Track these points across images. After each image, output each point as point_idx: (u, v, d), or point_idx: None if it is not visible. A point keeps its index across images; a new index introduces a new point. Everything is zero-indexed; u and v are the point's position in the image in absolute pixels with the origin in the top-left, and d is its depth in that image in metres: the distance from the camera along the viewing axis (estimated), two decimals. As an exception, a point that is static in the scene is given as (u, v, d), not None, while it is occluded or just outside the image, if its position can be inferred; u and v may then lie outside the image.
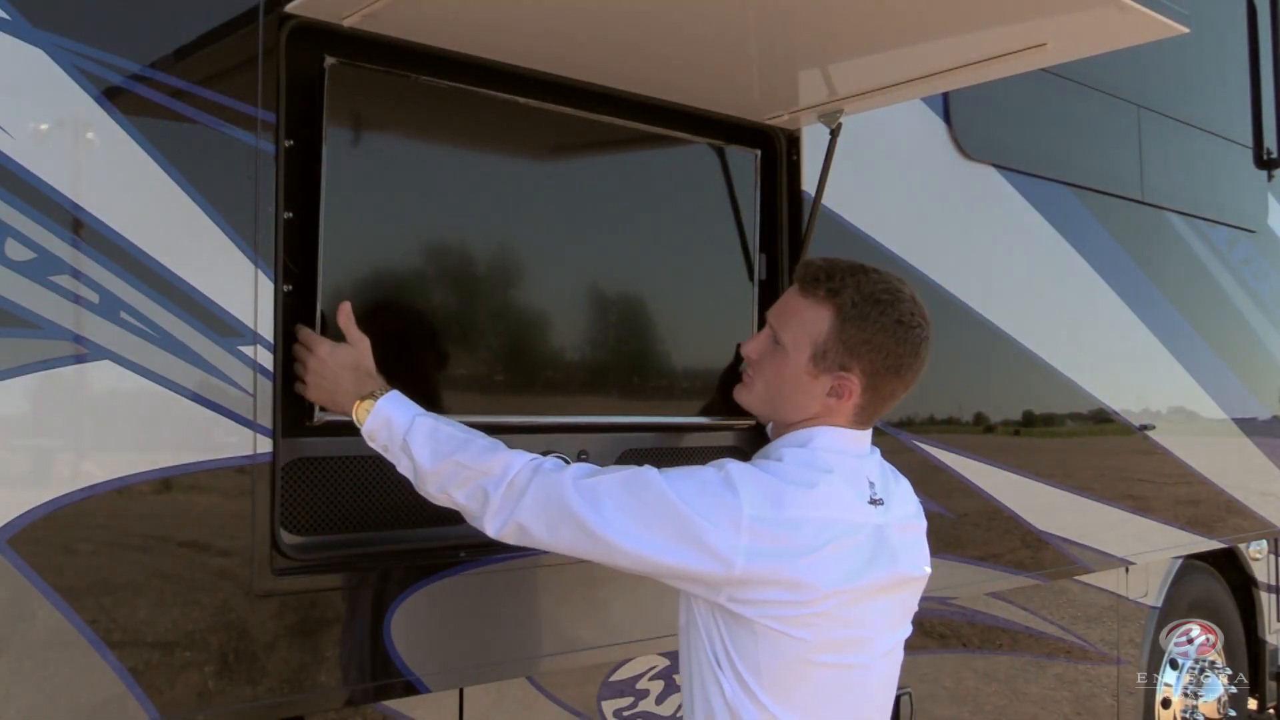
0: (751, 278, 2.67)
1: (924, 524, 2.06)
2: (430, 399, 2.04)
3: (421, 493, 1.89)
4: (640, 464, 1.84)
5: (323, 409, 1.96)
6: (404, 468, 1.89)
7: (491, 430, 1.93)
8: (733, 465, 1.82)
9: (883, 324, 1.87)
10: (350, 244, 2.03)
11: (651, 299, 2.52)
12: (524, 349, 2.35)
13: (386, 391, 1.90)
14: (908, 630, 2.02)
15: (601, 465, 1.88)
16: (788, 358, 1.92)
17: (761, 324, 2.19)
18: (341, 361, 1.91)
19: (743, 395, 2.04)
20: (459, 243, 2.23)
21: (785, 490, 1.80)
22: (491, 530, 1.83)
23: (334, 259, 2.00)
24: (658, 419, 2.56)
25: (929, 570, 2.03)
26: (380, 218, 2.10)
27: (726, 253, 2.64)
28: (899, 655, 2.01)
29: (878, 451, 2.02)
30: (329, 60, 1.99)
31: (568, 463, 1.86)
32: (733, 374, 2.51)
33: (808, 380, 1.91)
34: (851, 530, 1.84)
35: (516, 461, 1.83)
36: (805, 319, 1.91)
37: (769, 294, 2.66)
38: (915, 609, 2.04)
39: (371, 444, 1.91)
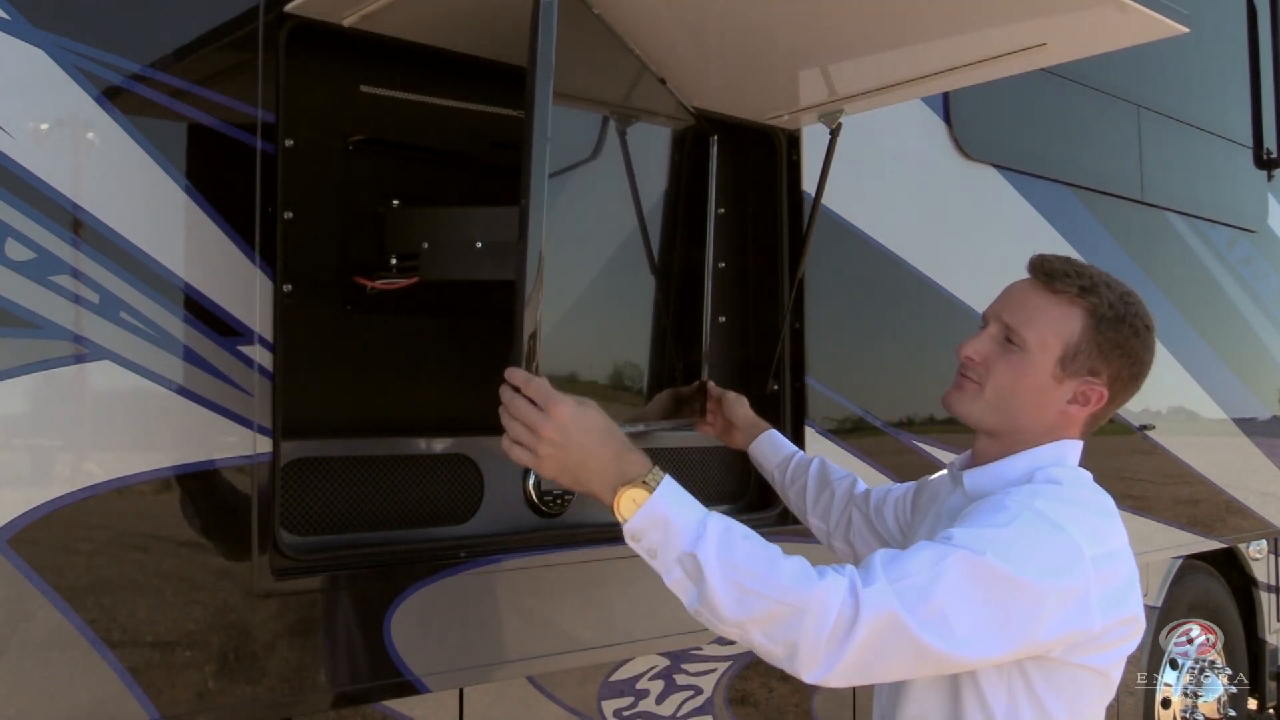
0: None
1: None
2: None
3: (691, 611, 1.54)
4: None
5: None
6: (674, 580, 1.53)
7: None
8: (1037, 502, 1.62)
9: (1135, 328, 1.75)
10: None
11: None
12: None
13: (659, 478, 1.55)
14: None
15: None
16: (1030, 359, 1.75)
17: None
18: (591, 427, 1.56)
19: (963, 403, 1.81)
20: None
21: (1098, 521, 1.67)
22: (809, 679, 1.51)
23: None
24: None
25: None
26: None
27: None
28: None
29: None
30: None
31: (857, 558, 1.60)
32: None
33: (1052, 385, 1.75)
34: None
35: (833, 593, 1.48)
36: (1054, 317, 1.75)
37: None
38: None
39: (632, 544, 1.56)
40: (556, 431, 1.54)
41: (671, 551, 1.52)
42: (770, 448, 2.37)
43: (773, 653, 1.51)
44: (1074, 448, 1.80)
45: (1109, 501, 1.74)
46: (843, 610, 1.47)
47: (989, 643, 1.53)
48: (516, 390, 1.57)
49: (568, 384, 2.12)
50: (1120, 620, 1.63)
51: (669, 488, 1.54)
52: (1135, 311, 1.76)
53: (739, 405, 2.40)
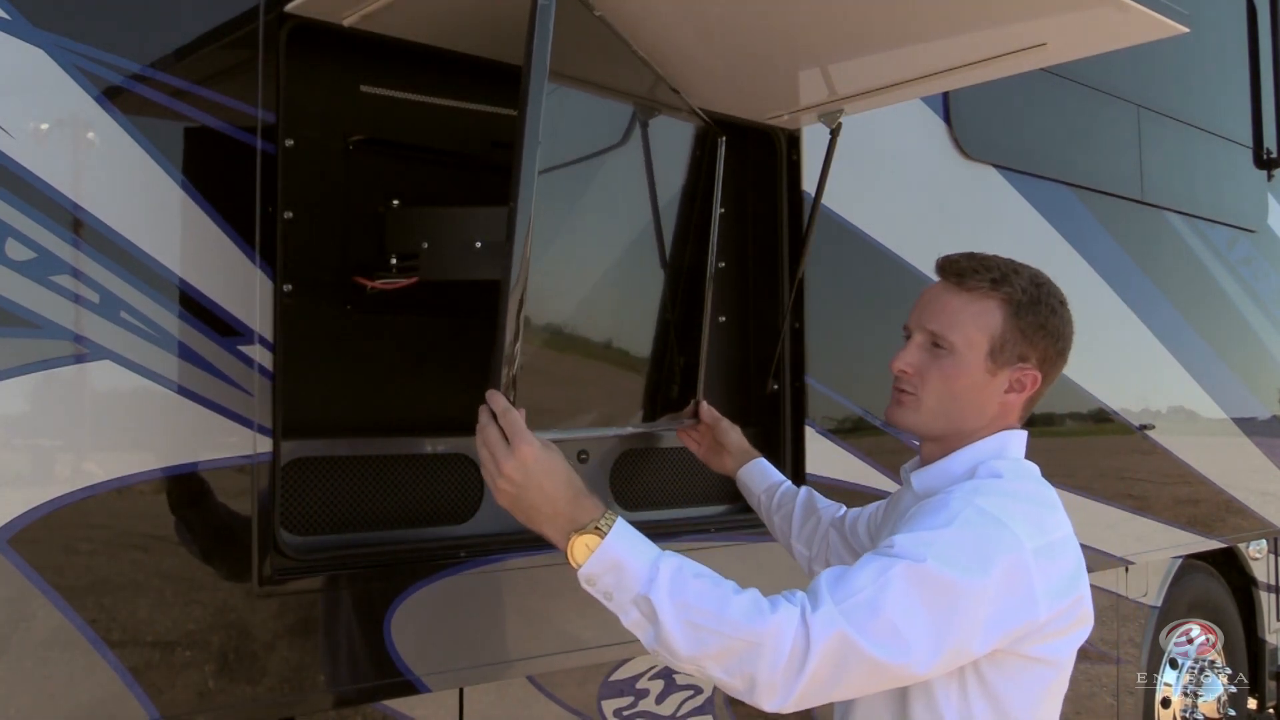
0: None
1: None
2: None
3: (650, 650, 1.57)
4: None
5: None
6: (631, 622, 1.56)
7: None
8: (978, 499, 1.64)
9: (1052, 306, 1.80)
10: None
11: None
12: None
13: (611, 522, 1.57)
14: None
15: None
16: (961, 359, 1.78)
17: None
18: (552, 471, 1.59)
19: (906, 416, 1.84)
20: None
21: (1039, 512, 1.69)
22: (769, 708, 1.53)
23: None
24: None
25: None
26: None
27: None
28: None
29: None
30: None
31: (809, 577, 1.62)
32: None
33: (987, 379, 1.79)
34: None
35: (786, 625, 1.50)
36: (974, 314, 1.79)
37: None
38: None
39: (587, 588, 1.58)
40: (517, 470, 1.57)
41: (626, 594, 1.54)
42: (760, 473, 2.41)
43: (732, 686, 1.53)
44: (1017, 438, 1.83)
45: (1051, 493, 1.77)
46: (796, 640, 1.49)
47: (939, 649, 1.54)
48: (493, 416, 1.60)
49: (568, 384, 2.13)
50: (1066, 605, 1.64)
51: (621, 531, 1.56)
52: (1048, 291, 1.81)
53: (732, 431, 2.45)
